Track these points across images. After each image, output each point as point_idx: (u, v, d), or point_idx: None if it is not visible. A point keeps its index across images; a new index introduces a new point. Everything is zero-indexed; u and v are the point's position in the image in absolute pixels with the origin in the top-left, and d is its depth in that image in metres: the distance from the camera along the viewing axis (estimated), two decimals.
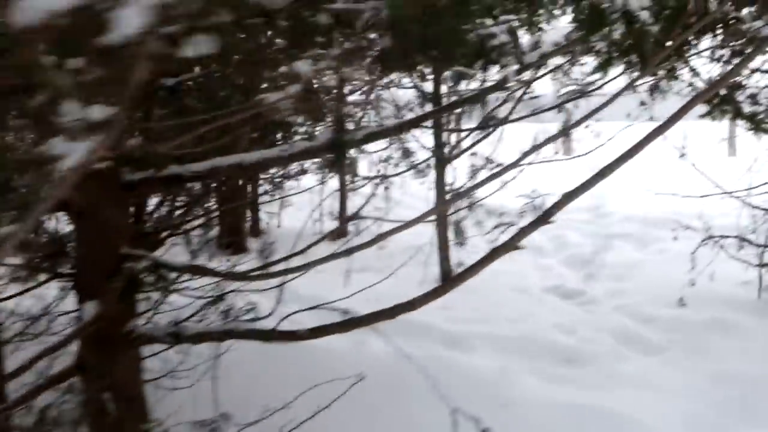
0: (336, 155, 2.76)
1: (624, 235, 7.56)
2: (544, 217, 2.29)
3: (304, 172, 9.07)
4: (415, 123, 3.73)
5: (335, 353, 4.42)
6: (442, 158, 6.34)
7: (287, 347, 4.31)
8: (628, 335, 4.83)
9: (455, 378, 3.98)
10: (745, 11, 3.72)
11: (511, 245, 2.39)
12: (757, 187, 5.31)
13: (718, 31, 4.24)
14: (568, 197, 2.27)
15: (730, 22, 3.85)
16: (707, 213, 6.09)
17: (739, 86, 4.67)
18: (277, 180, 9.33)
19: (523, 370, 4.12)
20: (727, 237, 5.30)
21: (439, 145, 6.35)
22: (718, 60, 4.47)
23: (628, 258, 6.83)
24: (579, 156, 5.81)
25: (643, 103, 5.12)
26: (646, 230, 7.66)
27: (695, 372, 4.15)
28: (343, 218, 8.69)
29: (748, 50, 3.70)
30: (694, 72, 4.49)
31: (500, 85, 3.02)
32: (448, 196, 6.41)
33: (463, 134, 6.49)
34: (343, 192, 8.71)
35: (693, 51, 4.48)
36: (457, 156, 6.41)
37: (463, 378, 3.98)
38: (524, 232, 2.42)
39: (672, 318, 5.06)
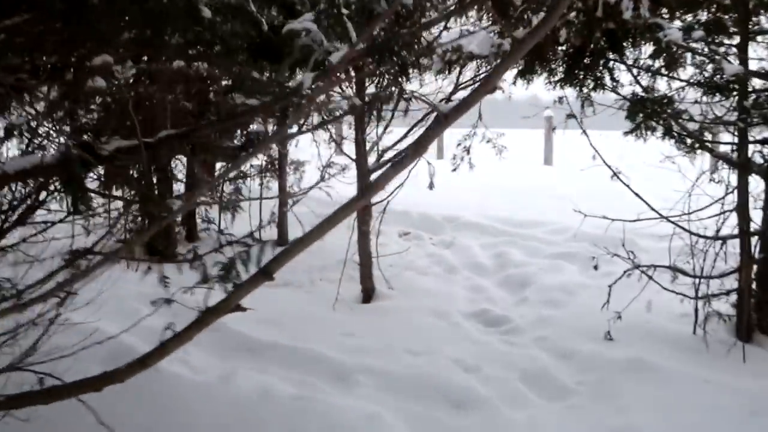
0: (69, 177, 2.26)
1: (571, 255, 7.06)
2: (263, 274, 1.82)
3: (245, 176, 8.62)
4: None
5: (200, 388, 3.93)
6: None
7: (151, 379, 3.84)
8: (537, 375, 4.34)
9: (316, 424, 3.51)
10: None
11: (226, 307, 1.91)
12: (694, 212, 4.80)
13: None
14: (289, 254, 1.81)
15: None
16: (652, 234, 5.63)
17: (669, 101, 4.19)
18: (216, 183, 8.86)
19: (397, 417, 3.63)
20: (658, 266, 4.80)
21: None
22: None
23: (569, 281, 6.32)
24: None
25: (571, 116, 4.64)
26: (596, 250, 7.14)
27: (594, 425, 3.66)
28: (283, 227, 8.22)
29: None
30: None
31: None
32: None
33: None
34: (283, 199, 8.22)
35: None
36: None
37: (324, 425, 3.49)
38: (241, 290, 1.94)
39: (591, 355, 4.57)
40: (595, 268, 5.31)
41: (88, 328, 3.89)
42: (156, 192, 5.95)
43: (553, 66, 4.39)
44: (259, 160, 8.57)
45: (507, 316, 5.54)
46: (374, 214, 6.22)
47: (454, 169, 6.72)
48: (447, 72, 5.04)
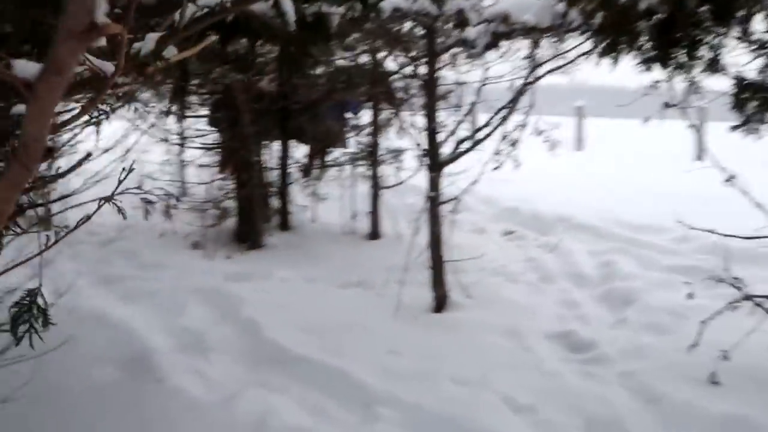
0: None
1: (691, 270, 5.98)
2: None
3: (339, 164, 8.20)
4: None
5: (196, 409, 3.46)
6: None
7: (146, 393, 3.45)
8: (608, 424, 3.51)
9: None
10: None
11: None
12: None
13: None
14: None
15: None
16: None
17: None
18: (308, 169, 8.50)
19: None
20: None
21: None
22: None
23: (681, 302, 5.28)
24: None
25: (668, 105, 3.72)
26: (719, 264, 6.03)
27: None
28: (375, 217, 7.68)
29: None
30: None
31: None
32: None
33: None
34: (375, 189, 7.66)
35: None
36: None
37: None
38: None
39: (685, 403, 3.67)
40: (689, 296, 4.34)
41: None
42: None
43: (640, 42, 3.50)
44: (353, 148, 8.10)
45: (595, 340, 4.68)
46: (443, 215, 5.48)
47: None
48: (494, 48, 4.22)
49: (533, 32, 3.88)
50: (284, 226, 8.01)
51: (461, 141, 5.24)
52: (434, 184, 5.19)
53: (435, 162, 5.17)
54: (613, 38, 3.99)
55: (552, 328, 4.90)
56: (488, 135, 5.21)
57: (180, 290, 5.25)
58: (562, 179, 11.30)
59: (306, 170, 8.50)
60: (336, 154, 8.36)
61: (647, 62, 3.45)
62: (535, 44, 4.47)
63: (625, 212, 8.13)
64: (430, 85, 5.16)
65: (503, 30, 3.83)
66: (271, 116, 7.68)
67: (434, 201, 5.20)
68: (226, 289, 5.24)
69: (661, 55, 3.31)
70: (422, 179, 5.49)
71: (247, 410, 3.39)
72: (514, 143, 4.94)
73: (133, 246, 6.92)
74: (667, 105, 3.61)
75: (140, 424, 3.29)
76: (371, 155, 7.64)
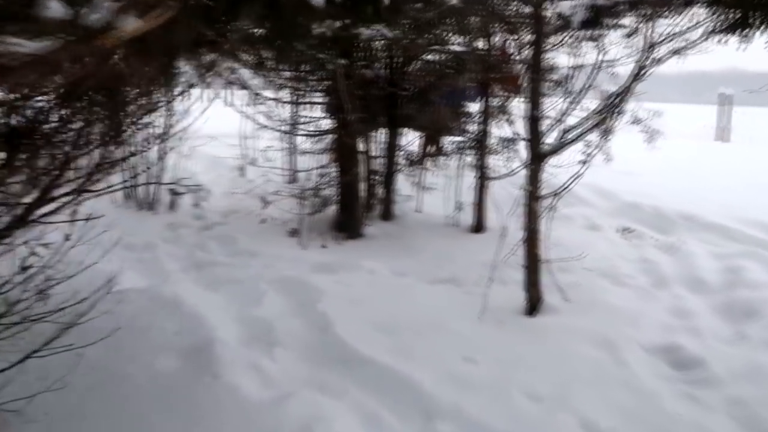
0: None
1: None
2: None
3: (444, 153, 7.90)
4: None
5: (243, 410, 3.30)
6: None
7: (200, 387, 3.35)
8: None
9: None
10: None
11: None
12: None
13: None
14: None
15: None
16: None
17: None
18: (422, 157, 8.24)
19: None
20: None
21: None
22: None
23: None
24: None
25: None
26: None
27: None
28: (481, 210, 7.31)
29: None
30: None
31: None
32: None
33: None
34: (482, 180, 7.28)
35: None
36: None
37: None
38: None
39: None
40: None
41: None
42: None
43: None
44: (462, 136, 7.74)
45: (705, 357, 4.13)
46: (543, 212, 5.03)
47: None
48: (594, 25, 3.72)
49: (641, 5, 3.38)
50: (386, 215, 7.79)
51: (567, 131, 4.78)
52: (533, 177, 4.77)
53: (536, 152, 4.75)
54: (742, 11, 3.44)
55: (655, 340, 4.38)
56: (597, 125, 4.73)
57: (264, 279, 5.15)
58: (697, 172, 10.40)
59: (419, 159, 8.27)
60: (445, 142, 8.05)
61: None
62: (647, 20, 3.94)
63: (764, 211, 7.29)
64: (534, 68, 4.73)
65: (603, 3, 3.36)
66: (377, 103, 7.46)
67: (532, 195, 4.78)
68: (308, 280, 5.08)
69: None
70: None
71: (296, 414, 3.19)
72: (606, 134, 4.43)
73: (232, 232, 6.94)
74: None
75: (187, 420, 3.17)
76: (479, 144, 7.26)
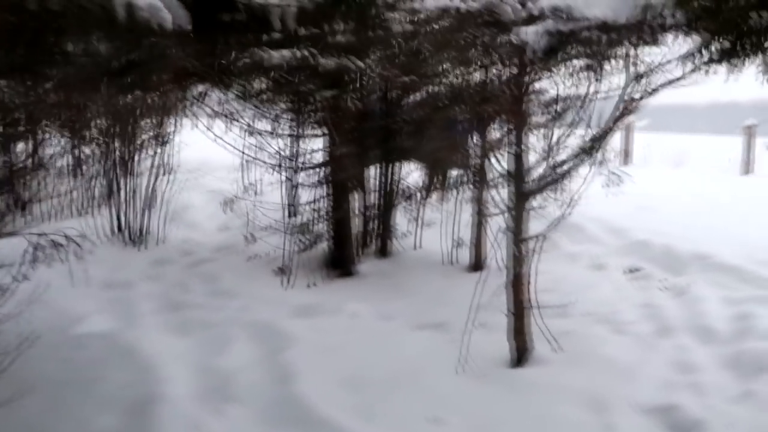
0: None
1: None
2: None
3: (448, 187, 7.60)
4: None
5: None
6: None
7: None
8: None
9: None
10: None
11: None
12: None
13: None
14: None
15: None
16: None
17: None
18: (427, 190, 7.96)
19: None
20: None
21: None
22: None
23: None
24: None
25: None
26: None
27: None
28: (479, 247, 6.95)
29: None
30: None
31: None
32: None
33: None
34: (480, 218, 6.93)
35: None
36: None
37: None
38: None
39: None
40: None
41: None
42: None
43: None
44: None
45: (706, 419, 3.71)
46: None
47: None
48: (557, 52, 3.39)
49: (610, 31, 3.05)
50: (383, 252, 7.47)
51: (556, 166, 4.44)
52: (518, 217, 4.43)
53: (520, 191, 4.41)
54: (730, 38, 3.10)
55: (652, 399, 3.96)
56: (585, 159, 4.38)
57: (237, 323, 4.85)
58: (718, 207, 9.92)
59: (425, 191, 7.99)
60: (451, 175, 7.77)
61: None
62: (631, 48, 3.61)
63: None
64: (516, 99, 4.42)
65: (564, 28, 3.03)
66: (372, 135, 7.19)
67: (516, 237, 4.43)
68: (282, 326, 4.77)
69: None
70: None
71: None
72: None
73: (218, 269, 6.67)
74: None
75: None
76: (478, 178, 6.92)
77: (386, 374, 4.08)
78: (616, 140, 17.71)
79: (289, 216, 8.09)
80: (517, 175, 4.42)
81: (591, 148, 4.12)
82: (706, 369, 4.47)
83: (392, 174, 7.52)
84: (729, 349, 4.75)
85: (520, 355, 4.47)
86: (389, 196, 7.54)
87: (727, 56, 2.84)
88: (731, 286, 6.07)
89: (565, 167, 4.32)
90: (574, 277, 6.58)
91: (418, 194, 7.71)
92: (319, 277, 6.65)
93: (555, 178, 4.31)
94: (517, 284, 4.48)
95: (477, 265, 6.94)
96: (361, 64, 4.86)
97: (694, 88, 3.59)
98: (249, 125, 7.21)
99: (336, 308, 5.37)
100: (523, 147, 4.41)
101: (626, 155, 17.38)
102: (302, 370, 4.02)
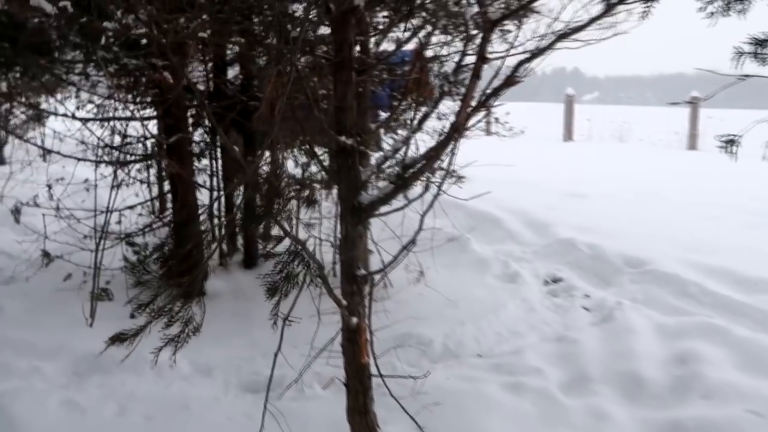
0: None
1: None
2: None
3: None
4: None
5: None
6: None
7: None
8: None
9: None
10: None
11: None
12: None
13: None
14: None
15: None
16: None
17: None
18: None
19: None
20: None
21: None
22: None
23: None
24: None
25: None
26: None
27: None
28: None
29: None
30: None
31: None
32: None
33: None
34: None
35: None
36: None
37: None
38: None
39: None
40: None
41: None
42: None
43: None
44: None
45: None
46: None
47: None
48: None
49: None
50: (249, 262, 5.97)
51: (406, 166, 2.95)
52: (349, 243, 2.96)
53: (350, 205, 2.94)
54: None
55: None
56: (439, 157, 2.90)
57: None
58: (656, 194, 8.61)
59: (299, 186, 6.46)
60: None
61: None
62: None
63: (733, 250, 5.57)
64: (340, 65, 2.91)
65: None
66: (224, 117, 5.64)
67: (348, 273, 2.97)
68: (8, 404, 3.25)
69: None
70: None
71: None
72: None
73: (21, 293, 5.10)
74: None
75: None
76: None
77: None
78: (558, 115, 16.44)
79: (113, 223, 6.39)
80: (349, 182, 2.93)
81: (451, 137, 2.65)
82: None
83: (257, 164, 5.98)
84: (662, 414, 3.39)
85: None
86: (255, 191, 6.00)
87: None
88: (669, 304, 4.73)
89: (415, 168, 2.85)
90: (478, 293, 5.19)
91: (290, 190, 6.19)
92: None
93: (398, 188, 2.84)
94: (354, 342, 3.01)
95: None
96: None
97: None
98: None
99: (134, 362, 3.83)
100: (357, 139, 2.93)
101: (568, 131, 16.13)
102: None
